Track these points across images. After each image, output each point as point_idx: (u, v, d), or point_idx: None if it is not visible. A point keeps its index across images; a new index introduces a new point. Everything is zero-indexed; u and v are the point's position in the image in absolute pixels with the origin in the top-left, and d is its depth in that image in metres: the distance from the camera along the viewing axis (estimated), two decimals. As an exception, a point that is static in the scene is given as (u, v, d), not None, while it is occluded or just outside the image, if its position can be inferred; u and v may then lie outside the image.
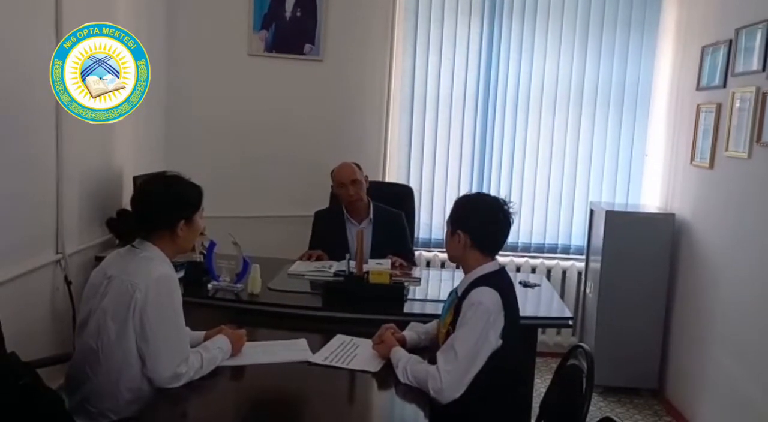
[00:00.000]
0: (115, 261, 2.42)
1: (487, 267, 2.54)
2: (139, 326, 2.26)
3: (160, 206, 2.41)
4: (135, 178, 3.76)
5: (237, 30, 4.82)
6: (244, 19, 4.81)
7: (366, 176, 4.02)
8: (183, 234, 2.43)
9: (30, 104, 3.12)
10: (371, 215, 3.98)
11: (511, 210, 2.58)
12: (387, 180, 4.96)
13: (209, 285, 3.32)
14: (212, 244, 3.33)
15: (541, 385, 4.02)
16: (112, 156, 3.96)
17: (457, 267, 2.69)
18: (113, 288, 2.32)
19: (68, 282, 3.45)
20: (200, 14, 4.78)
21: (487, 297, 2.42)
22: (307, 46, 4.86)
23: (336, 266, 3.62)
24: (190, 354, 2.33)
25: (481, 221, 2.55)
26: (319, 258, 3.85)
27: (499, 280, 2.52)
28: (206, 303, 3.23)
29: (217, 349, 2.45)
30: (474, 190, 4.99)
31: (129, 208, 2.47)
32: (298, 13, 4.83)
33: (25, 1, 3.08)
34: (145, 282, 2.27)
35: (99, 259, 3.53)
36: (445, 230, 2.66)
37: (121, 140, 4.00)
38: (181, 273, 3.36)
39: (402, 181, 5.01)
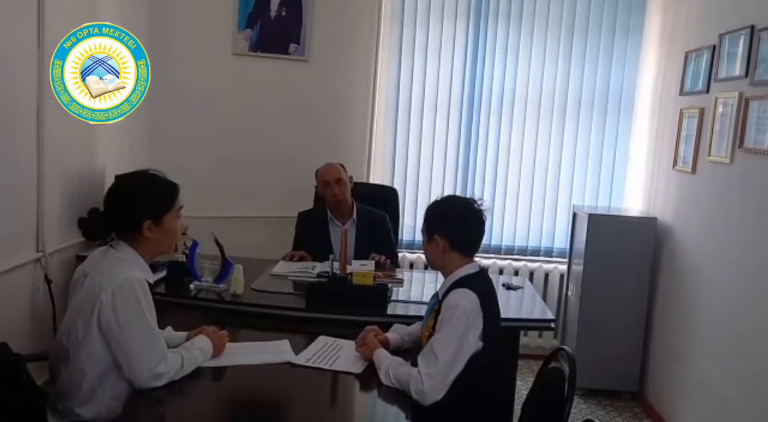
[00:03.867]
0: (93, 260, 2.40)
1: (467, 269, 2.54)
2: (107, 330, 2.23)
3: (122, 206, 2.37)
4: (115, 177, 3.73)
5: (221, 29, 4.79)
6: (229, 18, 4.78)
7: (351, 177, 4.03)
8: (152, 235, 2.36)
9: (11, 102, 3.08)
10: (355, 216, 3.98)
11: (482, 207, 2.58)
12: (371, 181, 4.96)
13: (191, 286, 3.30)
14: (194, 244, 3.31)
15: (522, 387, 4.04)
16: (94, 154, 3.93)
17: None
18: (84, 288, 2.30)
19: (48, 281, 3.41)
20: (184, 13, 4.75)
21: (465, 299, 2.42)
22: (292, 46, 4.84)
23: (319, 267, 3.61)
24: (170, 354, 2.31)
25: (456, 223, 2.55)
26: (302, 259, 3.84)
27: (478, 282, 2.51)
28: (188, 304, 3.21)
29: (198, 349, 2.42)
30: (458, 193, 5.01)
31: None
32: (284, 13, 4.82)
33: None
34: (111, 285, 2.24)
35: (80, 258, 3.52)
36: (422, 239, 2.66)
37: (103, 139, 3.96)
38: (163, 273, 3.34)
39: (386, 182, 5.01)
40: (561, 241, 5.13)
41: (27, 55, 3.17)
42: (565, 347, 2.67)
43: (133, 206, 2.36)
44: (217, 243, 3.29)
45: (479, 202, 2.59)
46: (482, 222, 2.59)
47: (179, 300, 3.21)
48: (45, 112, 3.25)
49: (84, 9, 3.62)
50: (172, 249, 2.57)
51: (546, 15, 4.96)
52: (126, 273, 2.28)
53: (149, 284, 2.35)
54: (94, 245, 3.48)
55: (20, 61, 3.13)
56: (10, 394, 2.29)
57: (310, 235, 3.97)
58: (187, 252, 3.34)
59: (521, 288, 3.73)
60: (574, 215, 4.88)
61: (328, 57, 4.88)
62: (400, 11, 4.96)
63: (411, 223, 5.03)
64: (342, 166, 4.00)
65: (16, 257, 3.20)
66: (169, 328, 2.59)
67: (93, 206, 3.75)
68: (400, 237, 4.69)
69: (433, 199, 2.70)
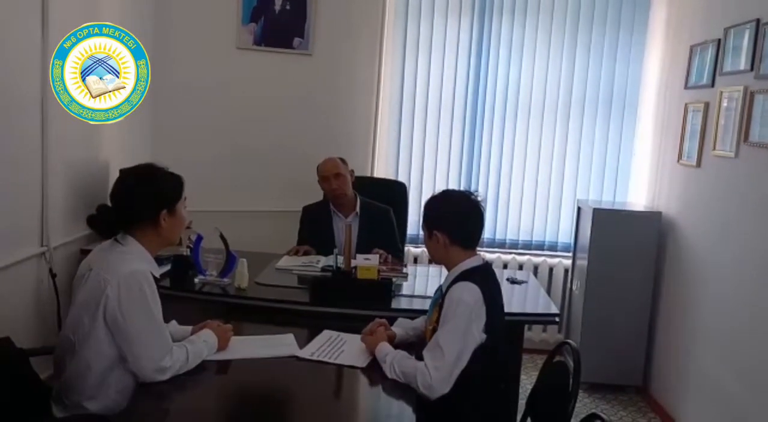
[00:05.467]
0: (98, 254, 2.41)
1: (470, 263, 2.54)
2: (113, 324, 2.24)
3: (139, 198, 2.39)
4: (121, 171, 3.72)
5: (225, 23, 4.78)
6: (233, 12, 4.78)
7: (352, 170, 4.02)
8: (166, 224, 2.40)
9: (14, 96, 3.08)
10: (358, 209, 3.98)
11: (479, 199, 2.59)
12: (375, 175, 4.96)
13: (196, 280, 3.30)
14: (199, 238, 3.32)
15: (527, 382, 4.04)
16: (98, 148, 3.93)
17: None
18: (89, 282, 2.31)
19: (53, 275, 3.42)
20: (188, 6, 4.74)
21: (468, 293, 2.42)
22: (296, 40, 4.84)
23: (324, 261, 3.62)
24: (175, 348, 2.32)
25: (453, 217, 2.56)
26: (306, 254, 3.84)
27: (481, 275, 2.52)
28: (193, 298, 3.21)
29: (203, 343, 2.43)
30: (462, 187, 5.00)
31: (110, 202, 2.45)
32: (288, 7, 4.81)
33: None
34: (116, 278, 2.25)
35: (84, 252, 3.53)
36: (422, 235, 2.66)
37: (107, 133, 3.96)
38: (168, 267, 3.34)
39: (390, 176, 5.01)
40: (565, 236, 5.12)
41: (31, 53, 3.17)
42: (569, 341, 2.67)
43: (149, 197, 2.39)
44: (222, 237, 3.30)
45: (475, 194, 2.60)
46: (480, 215, 2.59)
47: (184, 294, 3.21)
48: (49, 108, 3.25)
49: (87, 5, 3.61)
50: (178, 240, 2.58)
51: (550, 9, 4.95)
52: (131, 266, 2.29)
53: (154, 277, 2.35)
54: (98, 239, 3.49)
55: (25, 58, 3.13)
56: (13, 388, 2.30)
57: (314, 229, 3.98)
58: (192, 246, 3.35)
59: (525, 282, 3.73)
60: (579, 209, 4.88)
61: (333, 51, 4.88)
62: (405, 5, 4.95)
63: (415, 218, 5.01)
64: (342, 160, 4.00)
65: (21, 251, 3.20)
66: (173, 322, 2.60)
67: (98, 200, 3.77)
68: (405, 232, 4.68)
69: (430, 195, 2.70)
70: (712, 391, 3.65)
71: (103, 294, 2.24)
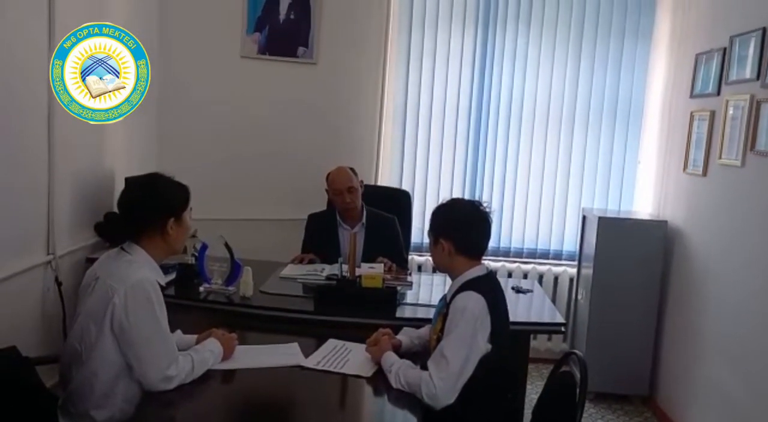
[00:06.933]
0: (104, 263, 2.42)
1: (474, 272, 2.53)
2: (120, 332, 2.25)
3: (147, 206, 2.40)
4: (127, 179, 3.73)
5: (230, 32, 4.80)
6: (238, 21, 4.79)
7: (361, 181, 4.01)
8: (173, 232, 2.42)
9: (21, 103, 3.09)
10: (364, 219, 3.97)
11: (487, 210, 2.58)
12: (380, 183, 4.96)
13: (201, 288, 3.30)
14: (204, 246, 3.31)
15: (532, 391, 4.01)
16: (103, 157, 3.93)
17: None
18: (96, 291, 2.32)
19: (59, 284, 3.42)
20: (193, 15, 4.76)
21: (472, 302, 2.42)
22: (301, 49, 4.85)
23: (328, 269, 3.61)
24: (180, 357, 2.32)
25: (460, 226, 2.55)
26: (310, 262, 3.84)
27: (486, 284, 2.51)
28: (198, 306, 3.21)
29: (209, 352, 2.43)
30: (467, 195, 5.02)
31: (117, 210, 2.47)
32: (292, 16, 4.83)
33: (18, -1, 3.06)
34: (123, 287, 2.26)
35: (90, 260, 3.53)
36: (427, 241, 2.66)
37: (112, 141, 3.97)
38: (173, 276, 3.35)
39: (395, 184, 5.01)
40: (570, 244, 5.11)
41: (38, 56, 3.18)
42: (576, 351, 2.65)
43: (157, 205, 2.40)
44: (227, 245, 3.30)
45: (484, 205, 2.59)
46: (487, 225, 2.58)
47: (189, 303, 3.21)
48: (55, 114, 3.26)
49: (94, 12, 3.63)
50: (182, 249, 2.59)
51: (555, 19, 4.96)
52: (138, 274, 2.29)
53: (160, 286, 2.36)
54: (104, 247, 3.49)
55: (31, 62, 3.14)
56: (20, 398, 2.30)
57: (319, 238, 3.97)
58: (197, 254, 3.35)
59: (531, 291, 3.71)
60: (584, 218, 4.87)
61: (337, 60, 4.89)
62: (408, 15, 4.97)
63: (419, 226, 5.01)
64: (353, 170, 3.99)
65: (27, 259, 3.20)
66: (178, 332, 2.60)
67: (104, 209, 3.78)
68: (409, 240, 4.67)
69: (439, 203, 2.70)
70: (719, 401, 3.64)
71: (110, 303, 2.24)
